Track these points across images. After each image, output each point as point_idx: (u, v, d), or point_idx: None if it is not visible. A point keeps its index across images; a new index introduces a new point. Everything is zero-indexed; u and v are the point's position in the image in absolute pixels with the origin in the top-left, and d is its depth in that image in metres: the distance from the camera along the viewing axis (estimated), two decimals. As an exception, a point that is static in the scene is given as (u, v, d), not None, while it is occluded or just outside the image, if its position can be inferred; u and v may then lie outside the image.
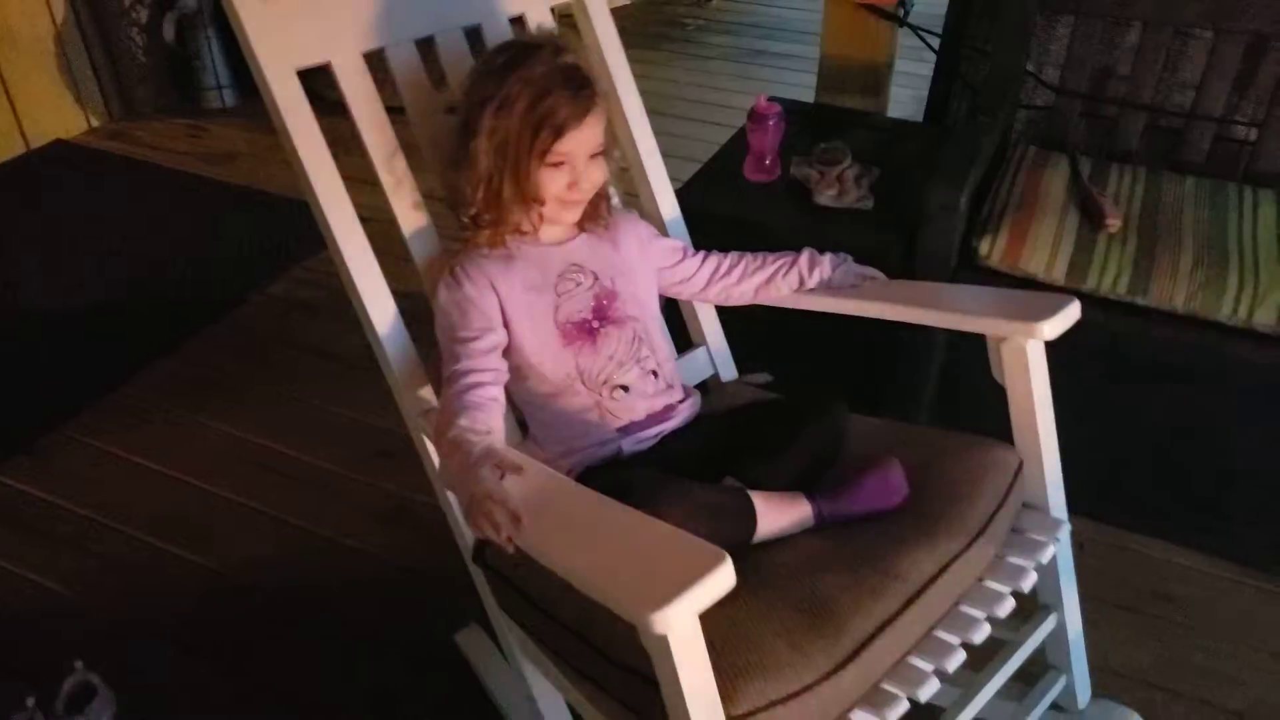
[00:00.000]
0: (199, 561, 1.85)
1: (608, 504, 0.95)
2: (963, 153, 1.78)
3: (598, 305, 1.27)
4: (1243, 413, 1.68)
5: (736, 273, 1.40)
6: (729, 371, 1.57)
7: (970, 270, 1.74)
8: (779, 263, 1.39)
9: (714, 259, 1.41)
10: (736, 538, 1.10)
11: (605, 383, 1.25)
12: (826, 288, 1.38)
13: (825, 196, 1.90)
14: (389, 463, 2.03)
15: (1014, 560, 1.19)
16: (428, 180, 1.31)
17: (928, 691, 1.03)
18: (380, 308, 1.23)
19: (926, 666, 1.06)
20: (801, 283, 1.38)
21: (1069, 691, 1.40)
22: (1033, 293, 1.30)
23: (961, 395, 1.86)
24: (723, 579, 0.80)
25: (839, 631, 1.01)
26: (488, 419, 1.10)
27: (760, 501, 1.14)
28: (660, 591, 0.79)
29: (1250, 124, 1.91)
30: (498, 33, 1.38)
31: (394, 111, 1.29)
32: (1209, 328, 1.63)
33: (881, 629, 1.03)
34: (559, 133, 1.16)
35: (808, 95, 2.54)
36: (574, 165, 1.20)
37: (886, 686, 1.04)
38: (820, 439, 1.24)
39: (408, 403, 1.26)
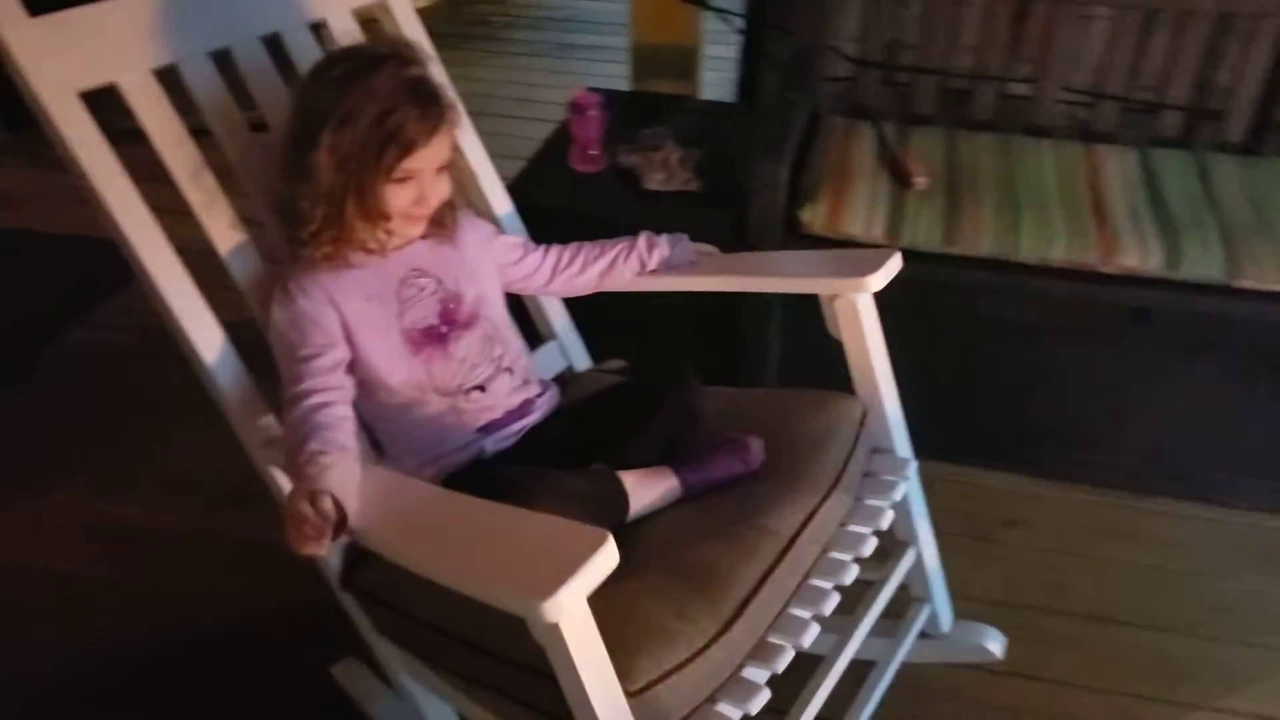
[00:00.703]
0: (50, 640, 1.71)
1: (478, 504, 0.95)
2: (778, 128, 1.85)
3: (444, 310, 1.25)
4: (1056, 346, 1.83)
5: (578, 263, 1.41)
6: (583, 361, 1.59)
7: (796, 239, 1.82)
8: (618, 248, 1.41)
9: (555, 252, 1.42)
10: (612, 519, 1.12)
11: (460, 387, 1.24)
12: (667, 268, 1.41)
13: (653, 181, 1.94)
14: (241, 507, 1.93)
15: (871, 502, 1.26)
16: (243, 204, 1.26)
17: (810, 637, 1.08)
18: (207, 339, 1.17)
19: (805, 614, 1.11)
20: (643, 266, 1.41)
21: (933, 619, 1.50)
22: (857, 250, 1.38)
23: (804, 356, 1.95)
24: (607, 558, 0.81)
25: (722, 592, 1.04)
26: (339, 438, 1.07)
27: (629, 480, 1.16)
28: (546, 579, 0.79)
29: (1026, 80, 2.08)
30: (300, 42, 1.34)
31: (202, 135, 1.23)
32: (1012, 269, 1.76)
33: (760, 584, 1.07)
34: (406, 150, 1.14)
35: (622, 84, 2.58)
36: (421, 181, 1.18)
37: (772, 639, 1.08)
38: (677, 414, 1.27)
39: (249, 435, 1.21)
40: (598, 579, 0.81)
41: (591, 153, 2.02)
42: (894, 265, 1.25)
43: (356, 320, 1.19)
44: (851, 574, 1.15)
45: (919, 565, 1.42)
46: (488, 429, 1.26)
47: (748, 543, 1.09)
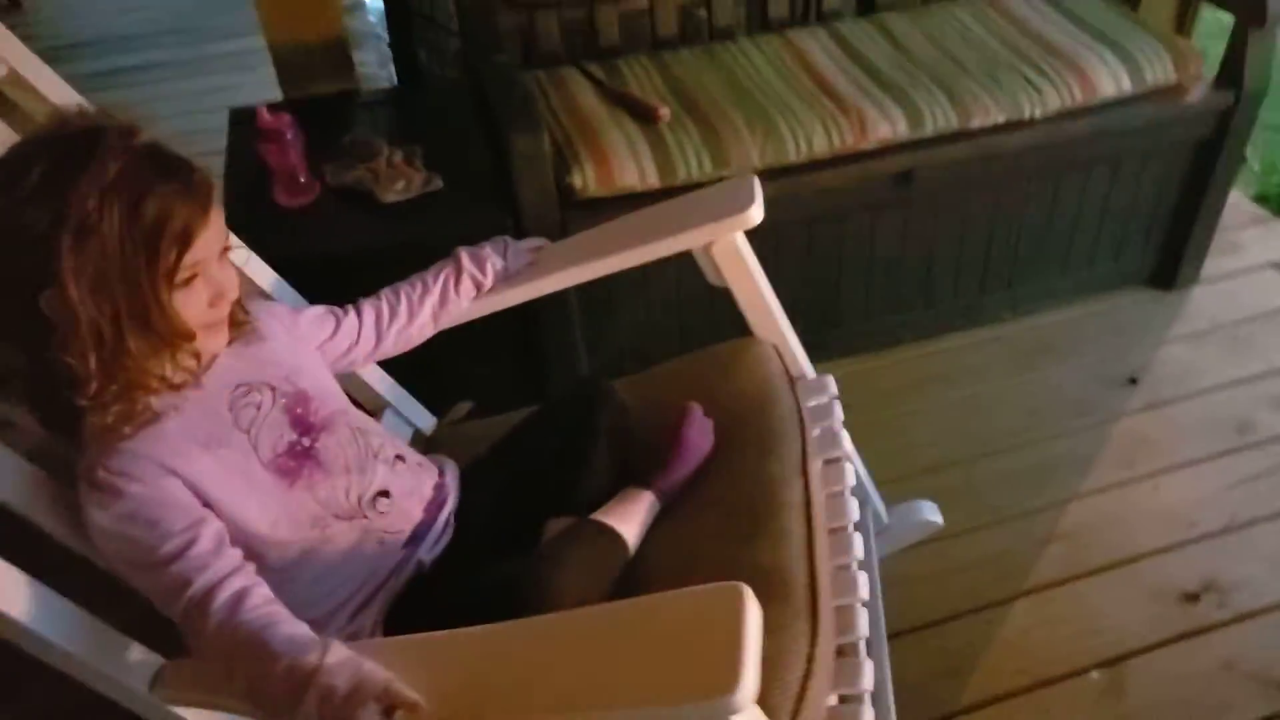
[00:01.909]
0: None
1: (542, 623, 0.76)
2: (516, 96, 1.69)
3: (296, 419, 1.00)
4: (840, 229, 1.88)
5: (403, 310, 1.18)
6: (427, 420, 1.37)
7: (575, 208, 1.69)
8: (443, 276, 1.21)
9: (369, 309, 1.18)
10: (621, 565, 0.98)
11: (361, 500, 1.00)
12: (507, 279, 1.24)
13: (393, 192, 1.69)
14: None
15: (820, 430, 1.21)
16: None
17: (865, 586, 1.01)
18: (9, 595, 0.83)
19: (849, 564, 1.04)
20: (479, 286, 1.22)
21: (876, 516, 1.50)
22: (704, 191, 1.28)
23: (610, 335, 1.85)
24: (754, 611, 0.68)
25: (788, 589, 0.95)
26: (298, 631, 0.82)
27: (611, 519, 1.02)
28: (718, 669, 0.65)
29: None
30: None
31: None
32: (785, 173, 1.77)
33: (811, 559, 0.98)
34: (185, 241, 0.86)
35: (268, 94, 2.23)
36: (208, 274, 0.90)
37: (839, 604, 1.00)
38: (605, 425, 1.13)
39: (124, 683, 0.89)
40: (760, 637, 0.67)
41: (301, 180, 1.72)
42: (759, 189, 1.18)
43: (205, 479, 0.90)
44: (855, 508, 1.10)
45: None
46: (415, 537, 1.03)
47: (773, 526, 1.00)
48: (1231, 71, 1.87)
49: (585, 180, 1.69)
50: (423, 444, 1.33)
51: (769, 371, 1.21)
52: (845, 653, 0.97)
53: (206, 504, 0.89)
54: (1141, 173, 1.98)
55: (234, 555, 0.88)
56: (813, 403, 1.24)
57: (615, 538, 1.00)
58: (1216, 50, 1.95)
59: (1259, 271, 2.22)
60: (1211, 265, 2.18)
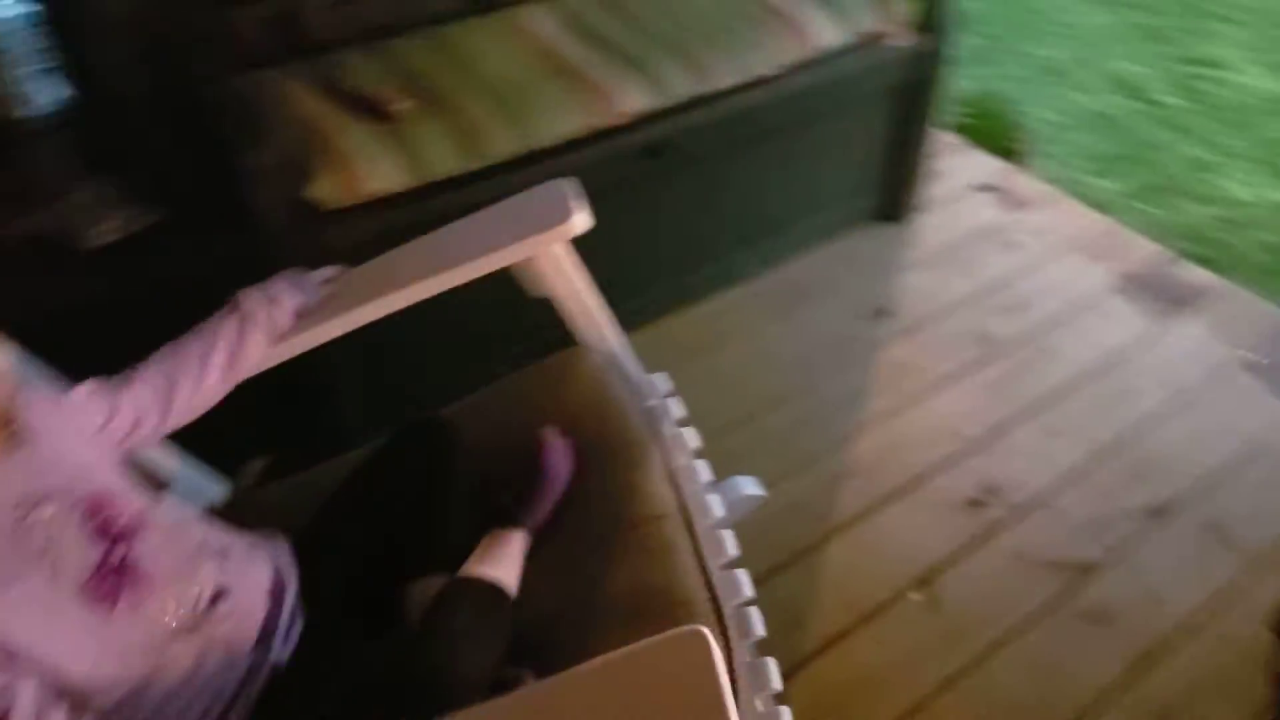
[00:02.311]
0: None
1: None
2: (231, 108, 1.49)
3: (97, 530, 0.82)
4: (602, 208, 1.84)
5: (189, 374, 1.01)
6: (218, 488, 1.19)
7: (326, 223, 1.53)
8: (226, 327, 1.04)
9: (146, 379, 0.99)
10: (507, 614, 0.90)
11: (195, 609, 0.84)
12: (306, 317, 1.08)
13: (102, 233, 1.45)
14: None
15: (669, 431, 1.18)
16: None
17: (748, 584, 1.00)
18: None
19: (726, 562, 1.02)
20: (274, 331, 1.06)
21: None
22: (514, 200, 1.17)
23: (389, 363, 1.71)
24: (717, 653, 0.63)
25: (689, 605, 0.91)
26: None
27: (489, 570, 0.93)
28: None
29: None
30: None
31: None
32: (539, 157, 1.70)
33: (703, 568, 0.95)
34: None
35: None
36: None
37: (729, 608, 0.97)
38: (456, 468, 1.02)
39: None
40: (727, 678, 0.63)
41: (-26, 237, 1.43)
42: (574, 189, 1.11)
43: (9, 625, 0.73)
44: (718, 503, 1.08)
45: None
46: (264, 636, 0.88)
47: (657, 541, 0.96)
48: (930, 16, 2.02)
49: (329, 191, 1.53)
50: (221, 518, 1.15)
51: (608, 380, 1.16)
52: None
53: (10, 658, 0.71)
54: (862, 117, 2.11)
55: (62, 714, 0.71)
56: (653, 403, 1.21)
57: (498, 592, 0.91)
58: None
59: (966, 195, 2.45)
60: (925, 193, 2.38)
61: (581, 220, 1.06)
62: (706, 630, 0.62)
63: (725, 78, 1.83)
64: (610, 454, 1.06)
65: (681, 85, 1.79)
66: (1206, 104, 3.15)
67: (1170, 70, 3.32)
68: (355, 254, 1.20)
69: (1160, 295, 2.16)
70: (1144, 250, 2.29)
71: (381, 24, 1.91)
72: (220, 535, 0.92)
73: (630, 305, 2.01)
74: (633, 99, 1.75)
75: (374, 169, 1.56)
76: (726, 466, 1.73)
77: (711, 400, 1.92)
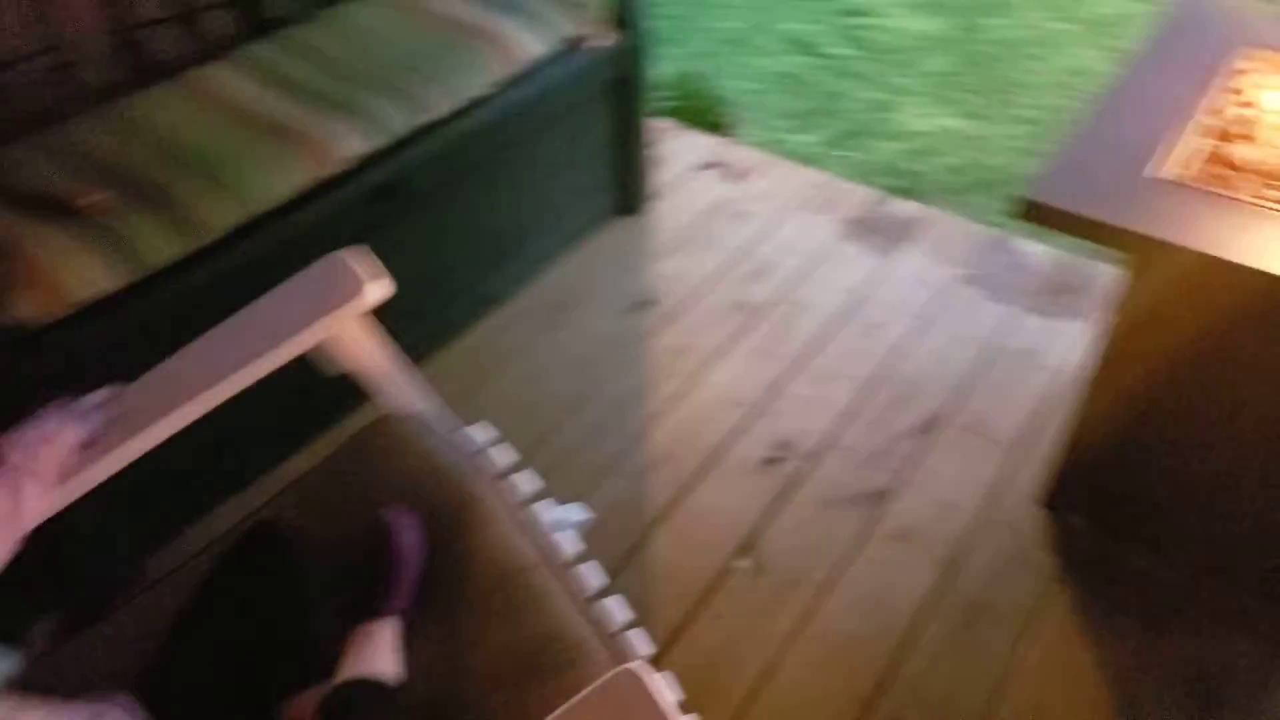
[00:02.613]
0: None
1: None
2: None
3: None
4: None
5: None
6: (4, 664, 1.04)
7: (42, 342, 1.36)
8: None
9: None
10: (395, 706, 0.85)
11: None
12: (91, 447, 0.95)
13: None
14: None
15: (505, 477, 1.14)
16: None
17: (625, 609, 0.99)
18: None
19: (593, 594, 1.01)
20: (55, 471, 0.92)
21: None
22: (288, 286, 1.06)
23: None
24: (659, 683, 0.63)
25: (584, 646, 0.89)
26: None
27: (368, 669, 0.87)
28: None
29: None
30: None
31: None
32: (273, 218, 1.59)
33: (583, 608, 0.93)
34: None
35: None
36: None
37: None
38: (293, 574, 0.94)
39: None
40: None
41: None
42: (363, 257, 1.04)
43: None
44: (572, 538, 1.06)
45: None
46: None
47: (531, 594, 0.93)
48: (622, 15, 2.07)
49: (30, 308, 1.36)
50: (20, 687, 0.99)
51: (429, 444, 1.10)
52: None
53: None
54: (582, 120, 2.14)
55: None
56: (478, 456, 1.17)
57: (381, 688, 0.85)
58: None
59: (691, 175, 2.56)
60: (655, 181, 2.46)
61: (377, 288, 1.01)
62: (635, 667, 0.61)
63: (440, 105, 1.79)
64: (455, 518, 1.02)
65: (398, 120, 1.74)
66: (871, 50, 3.47)
67: (833, 24, 3.63)
68: (87, 368, 1.08)
69: (879, 233, 2.36)
70: (856, 195, 2.49)
71: (37, 110, 1.71)
72: (57, 711, 0.80)
73: (400, 345, 1.96)
74: (350, 143, 1.68)
75: (79, 273, 1.40)
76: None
77: (504, 427, 1.89)
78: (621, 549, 1.69)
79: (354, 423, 1.21)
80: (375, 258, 1.04)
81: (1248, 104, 1.41)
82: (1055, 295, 2.16)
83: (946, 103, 3.17)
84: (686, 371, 2.03)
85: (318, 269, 1.06)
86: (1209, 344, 1.37)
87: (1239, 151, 1.33)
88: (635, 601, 1.61)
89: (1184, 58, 1.52)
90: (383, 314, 1.83)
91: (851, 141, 2.99)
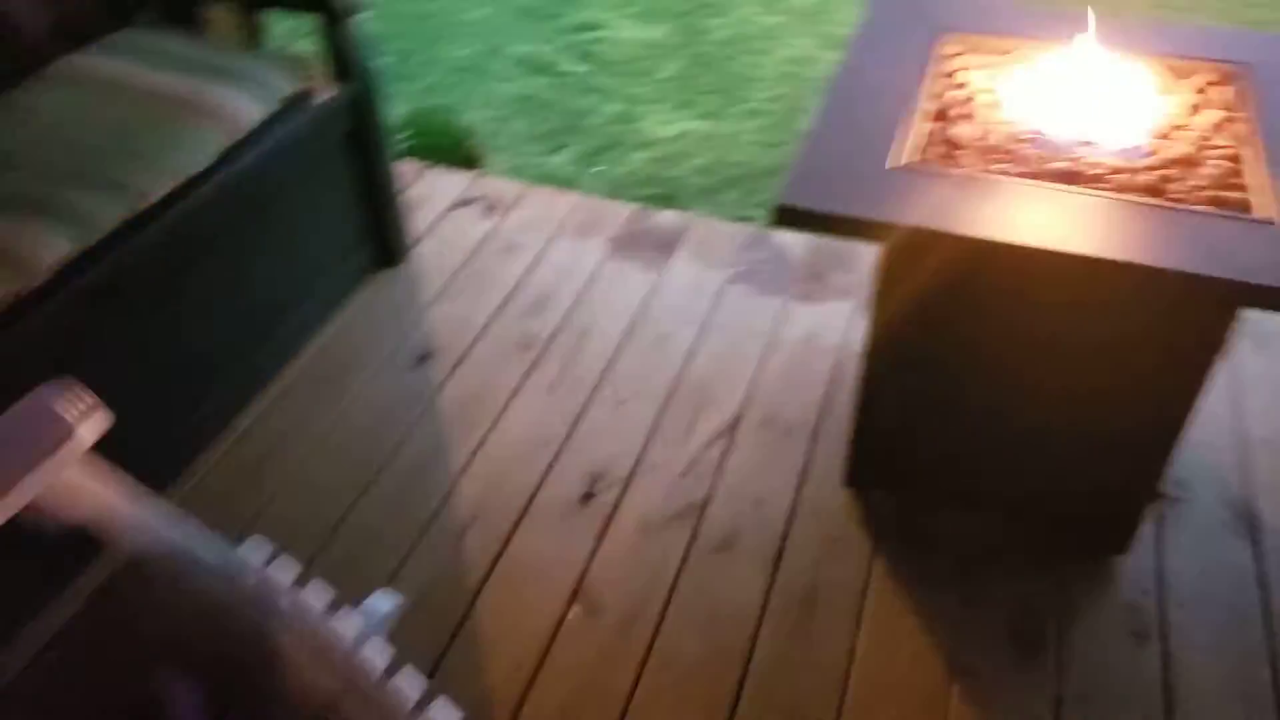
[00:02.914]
0: None
1: None
2: None
3: None
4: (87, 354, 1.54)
5: None
6: None
7: None
8: None
9: None
10: None
11: None
12: None
13: None
14: None
15: (288, 600, 1.02)
16: None
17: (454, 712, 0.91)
18: None
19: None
20: None
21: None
22: None
23: None
24: None
25: None
26: None
27: None
28: None
29: None
30: None
31: None
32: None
33: None
34: None
35: None
36: None
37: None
38: None
39: None
40: None
41: None
42: (72, 389, 0.89)
43: None
44: (379, 649, 0.97)
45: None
46: None
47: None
48: (344, 62, 1.96)
49: None
50: None
51: (192, 581, 0.96)
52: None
53: None
54: (323, 177, 2.01)
55: None
56: (255, 581, 1.04)
57: None
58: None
59: (450, 215, 2.47)
60: (413, 227, 2.36)
61: (92, 426, 0.86)
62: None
63: (156, 188, 1.62)
64: (239, 668, 0.90)
65: (109, 212, 1.55)
66: (604, 63, 3.51)
67: (564, 42, 3.65)
68: None
69: (647, 246, 2.37)
70: (617, 212, 2.50)
71: None
72: None
73: (162, 460, 1.77)
74: (54, 247, 1.48)
75: None
76: (345, 581, 1.59)
77: (298, 514, 1.76)
78: (446, 626, 1.60)
79: (98, 575, 1.06)
80: (86, 386, 0.89)
81: (960, 85, 1.52)
82: (819, 280, 2.26)
83: (684, 106, 3.25)
84: (484, 419, 1.95)
85: (13, 415, 0.91)
86: (961, 308, 1.46)
87: (961, 131, 1.42)
88: (470, 679, 1.54)
89: (897, 47, 1.61)
90: (139, 426, 1.67)
91: (602, 156, 3.00)
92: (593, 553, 1.70)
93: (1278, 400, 1.95)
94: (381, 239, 2.24)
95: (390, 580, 1.65)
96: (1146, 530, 1.71)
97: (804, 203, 1.31)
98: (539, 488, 1.81)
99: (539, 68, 3.49)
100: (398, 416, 1.95)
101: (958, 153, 1.39)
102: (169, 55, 1.87)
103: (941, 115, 1.46)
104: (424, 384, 2.03)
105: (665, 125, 3.15)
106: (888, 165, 1.35)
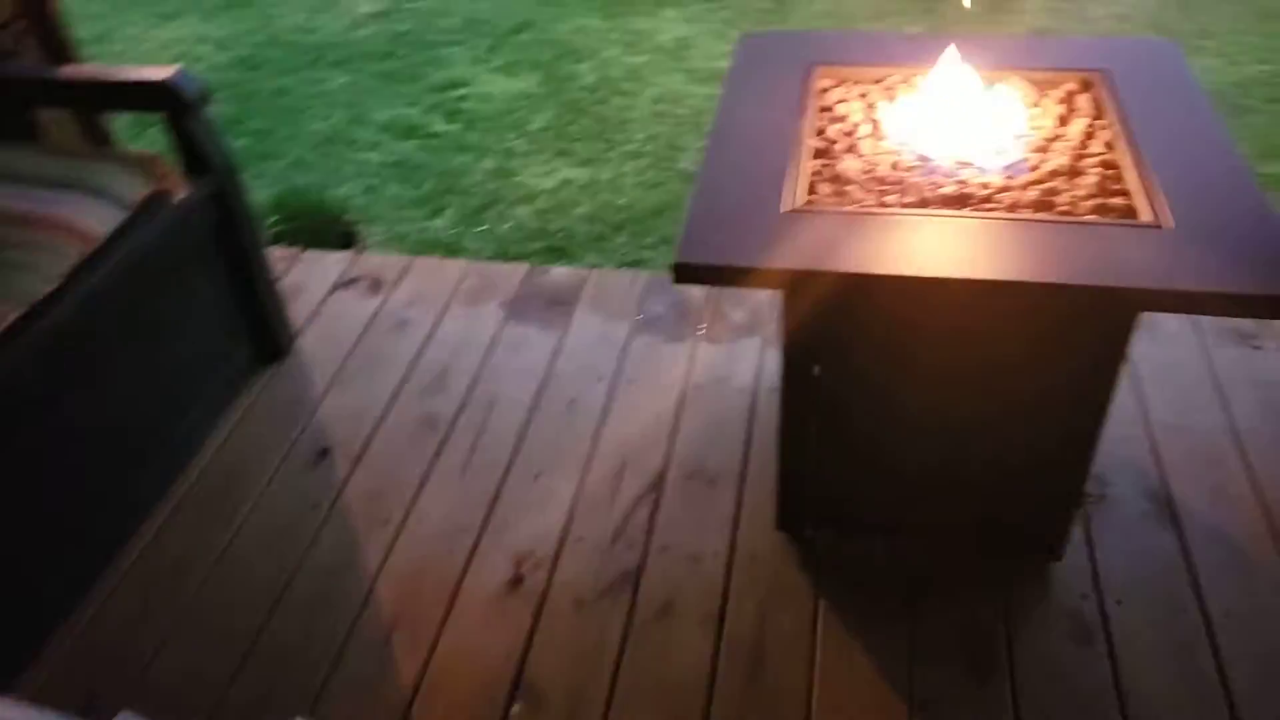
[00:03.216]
0: None
1: None
2: None
3: None
4: None
5: None
6: None
7: None
8: None
9: None
10: None
11: None
12: None
13: None
14: None
15: None
16: None
17: None
18: None
19: None
20: None
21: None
22: None
23: None
24: None
25: None
26: None
27: None
28: None
29: None
30: None
31: None
32: None
33: None
34: None
35: None
36: None
37: None
38: None
39: None
40: None
41: None
42: None
43: None
44: None
45: None
46: None
47: None
48: (198, 155, 1.84)
49: None
50: None
51: None
52: None
53: None
54: (192, 278, 1.89)
55: None
56: None
57: None
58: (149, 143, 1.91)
59: (333, 299, 2.35)
60: (294, 317, 2.24)
61: None
62: None
63: (6, 314, 1.48)
64: None
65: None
66: (475, 119, 3.45)
67: (430, 102, 3.57)
68: None
69: (544, 306, 2.31)
70: (508, 273, 2.43)
71: None
72: None
73: (25, 628, 1.60)
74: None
75: None
76: (261, 717, 1.48)
77: (200, 650, 1.62)
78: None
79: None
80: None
81: (840, 118, 1.51)
82: (723, 320, 2.23)
83: (562, 155, 3.22)
84: (394, 512, 1.84)
85: None
86: (870, 341, 1.44)
87: (849, 166, 1.41)
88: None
89: (772, 85, 1.59)
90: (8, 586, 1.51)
91: (484, 215, 2.93)
92: (528, 640, 1.62)
93: (1176, 386, 2.00)
94: (262, 334, 2.11)
95: (312, 706, 1.52)
96: (1076, 532, 1.72)
97: (702, 258, 1.27)
98: (462, 578, 1.72)
99: (407, 131, 3.40)
100: (302, 522, 1.83)
101: (848, 188, 1.37)
102: (3, 170, 1.73)
103: (826, 151, 1.45)
104: (325, 483, 1.91)
105: (545, 176, 3.10)
106: (781, 209, 1.32)
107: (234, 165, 1.93)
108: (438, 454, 1.95)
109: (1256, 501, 1.76)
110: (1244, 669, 1.51)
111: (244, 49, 4.05)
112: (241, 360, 2.08)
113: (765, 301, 2.24)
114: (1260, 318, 2.03)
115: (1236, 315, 1.46)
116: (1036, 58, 1.66)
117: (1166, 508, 1.77)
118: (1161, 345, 2.08)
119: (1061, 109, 1.54)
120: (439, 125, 3.43)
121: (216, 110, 1.88)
